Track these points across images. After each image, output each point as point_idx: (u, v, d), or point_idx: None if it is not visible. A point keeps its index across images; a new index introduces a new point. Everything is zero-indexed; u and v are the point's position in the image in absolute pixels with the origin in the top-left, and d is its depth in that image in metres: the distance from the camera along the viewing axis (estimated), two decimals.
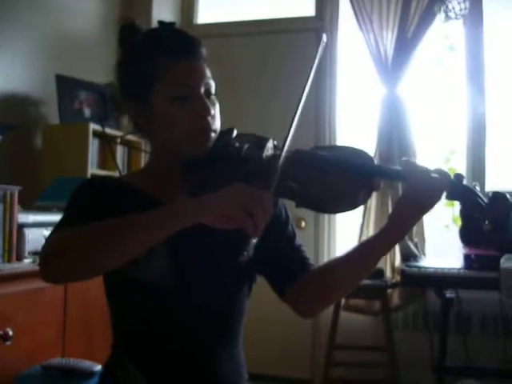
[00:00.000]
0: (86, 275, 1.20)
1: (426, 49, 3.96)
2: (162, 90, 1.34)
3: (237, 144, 1.37)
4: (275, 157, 1.29)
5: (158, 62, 1.34)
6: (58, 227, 1.26)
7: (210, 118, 1.35)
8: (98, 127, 3.47)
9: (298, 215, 4.07)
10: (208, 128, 1.34)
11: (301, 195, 1.31)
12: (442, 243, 3.86)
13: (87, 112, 3.70)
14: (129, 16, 4.26)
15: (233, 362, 1.41)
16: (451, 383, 3.40)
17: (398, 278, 3.65)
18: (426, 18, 3.87)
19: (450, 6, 3.72)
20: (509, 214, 1.31)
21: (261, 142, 1.38)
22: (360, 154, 1.35)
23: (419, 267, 3.33)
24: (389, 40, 3.96)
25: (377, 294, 3.67)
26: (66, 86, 3.55)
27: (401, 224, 1.29)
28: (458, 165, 3.96)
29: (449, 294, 3.39)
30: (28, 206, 2.83)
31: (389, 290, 3.80)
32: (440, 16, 3.81)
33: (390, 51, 3.95)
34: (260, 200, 1.08)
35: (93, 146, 3.51)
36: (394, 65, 3.94)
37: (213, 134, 1.36)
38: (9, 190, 2.60)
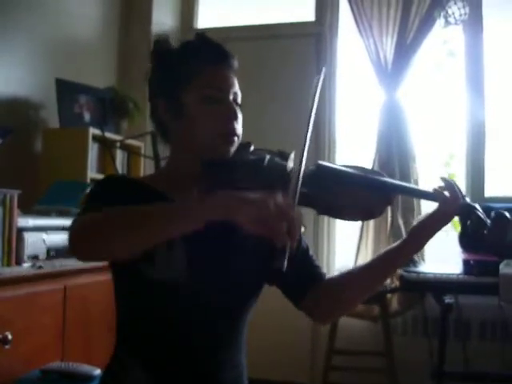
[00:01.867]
0: (111, 255, 1.22)
1: (426, 54, 3.97)
2: (195, 90, 1.39)
3: (258, 154, 1.43)
4: (297, 169, 1.32)
5: (192, 66, 1.40)
6: (81, 212, 1.29)
7: (235, 123, 1.40)
8: (97, 131, 3.47)
9: None
10: (234, 131, 1.39)
11: (322, 204, 1.38)
12: (441, 248, 3.85)
13: (87, 116, 3.70)
14: (129, 18, 4.27)
15: (234, 368, 1.41)
16: None
17: (397, 283, 3.64)
18: (426, 23, 3.88)
19: (449, 12, 3.73)
20: (508, 232, 1.38)
21: (283, 154, 1.44)
22: (376, 172, 1.51)
23: (418, 272, 3.33)
24: (388, 45, 3.96)
25: (376, 299, 3.66)
26: (66, 90, 3.55)
27: (421, 239, 1.43)
28: (457, 170, 3.97)
29: (448, 299, 3.38)
30: (27, 210, 2.83)
31: (388, 296, 3.80)
32: (440, 21, 3.82)
33: (390, 56, 3.96)
34: (292, 211, 1.06)
35: (92, 150, 3.52)
36: (393, 70, 3.94)
37: (236, 139, 1.41)
38: (8, 193, 2.59)
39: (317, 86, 1.39)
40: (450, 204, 1.38)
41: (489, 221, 1.37)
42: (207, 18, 4.67)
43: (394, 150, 3.91)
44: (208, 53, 1.43)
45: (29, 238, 2.69)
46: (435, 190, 1.41)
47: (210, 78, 1.40)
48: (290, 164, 1.40)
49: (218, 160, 1.38)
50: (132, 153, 3.89)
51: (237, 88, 1.45)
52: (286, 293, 1.51)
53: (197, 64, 1.40)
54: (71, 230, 1.22)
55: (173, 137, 1.46)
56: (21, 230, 2.66)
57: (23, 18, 3.39)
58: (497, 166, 3.99)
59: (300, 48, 4.31)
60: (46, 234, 2.78)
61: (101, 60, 4.09)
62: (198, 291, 1.34)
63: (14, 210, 2.61)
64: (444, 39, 3.96)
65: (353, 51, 4.24)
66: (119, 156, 3.78)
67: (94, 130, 3.47)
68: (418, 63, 3.96)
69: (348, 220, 1.51)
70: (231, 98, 1.42)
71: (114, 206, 1.19)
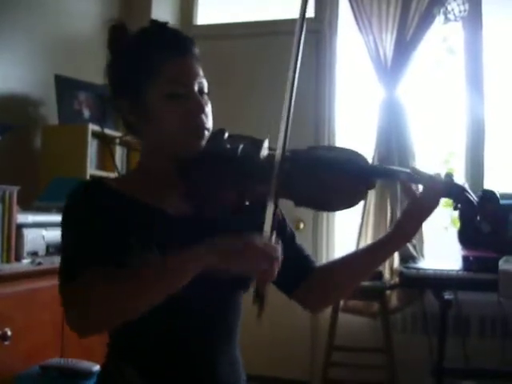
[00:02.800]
0: (112, 325, 1.28)
1: (426, 51, 3.97)
2: (156, 88, 1.33)
3: (231, 144, 1.37)
4: (272, 156, 1.29)
5: (151, 60, 1.33)
6: (68, 267, 1.27)
7: (203, 116, 1.34)
8: (97, 128, 3.47)
9: (296, 217, 4.07)
10: (202, 126, 1.34)
11: (299, 195, 1.34)
12: (440, 245, 3.86)
13: (86, 113, 3.70)
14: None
15: (231, 364, 1.40)
16: None
17: (396, 279, 3.65)
18: (426, 20, 3.87)
19: (449, 8, 3.73)
20: (499, 210, 1.36)
21: (256, 142, 1.38)
22: (355, 154, 1.40)
23: (418, 269, 3.33)
24: (388, 42, 3.96)
25: (375, 296, 3.67)
26: (66, 87, 3.55)
27: (410, 226, 1.40)
28: (456, 166, 3.97)
29: (447, 295, 3.38)
30: (27, 207, 2.83)
31: (387, 292, 3.80)
32: (439, 18, 3.82)
33: (390, 53, 3.95)
34: (274, 252, 1.17)
35: (92, 146, 3.51)
36: (393, 67, 3.94)
37: (206, 132, 1.35)
38: (8, 190, 2.59)
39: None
40: (432, 184, 1.34)
41: (477, 199, 1.35)
42: (206, 14, 4.66)
43: (394, 147, 3.91)
44: (167, 43, 1.35)
45: (28, 234, 2.69)
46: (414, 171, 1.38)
47: (171, 72, 1.33)
48: (264, 152, 1.36)
49: (189, 156, 1.33)
50: (131, 149, 3.89)
51: (201, 77, 1.37)
52: (276, 284, 1.46)
53: (156, 57, 1.33)
54: (70, 303, 1.23)
55: (141, 136, 1.42)
56: (20, 227, 2.66)
57: (22, 15, 3.39)
58: (496, 162, 3.99)
59: None
60: (45, 230, 2.78)
61: (100, 56, 4.03)
62: (191, 295, 1.33)
63: (14, 207, 2.61)
64: (443, 36, 3.96)
65: (352, 48, 4.24)
66: (118, 152, 3.79)
67: (93, 127, 3.47)
68: (418, 60, 3.96)
69: (328, 210, 1.47)
70: (196, 89, 1.35)
71: (97, 243, 1.25)
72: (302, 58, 1.41)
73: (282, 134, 1.28)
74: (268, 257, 1.16)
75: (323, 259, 4.14)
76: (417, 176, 1.36)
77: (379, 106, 4.00)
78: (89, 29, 4.04)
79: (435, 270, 3.27)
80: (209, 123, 1.36)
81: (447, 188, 1.35)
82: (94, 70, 3.88)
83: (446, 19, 3.79)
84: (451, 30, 3.93)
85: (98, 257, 1.25)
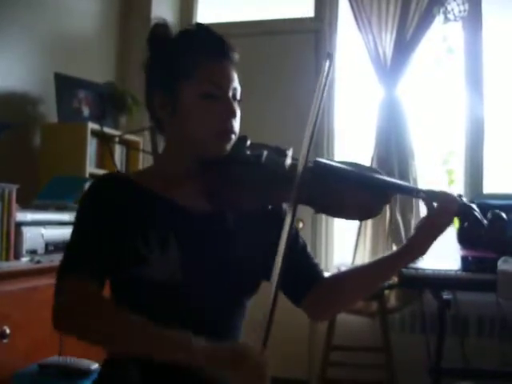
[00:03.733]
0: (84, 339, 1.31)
1: (425, 51, 3.97)
2: (193, 86, 1.35)
3: (252, 151, 1.41)
4: (295, 165, 1.33)
5: (192, 58, 1.36)
6: (70, 266, 1.31)
7: (233, 121, 1.37)
8: (96, 126, 3.47)
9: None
10: (231, 129, 1.37)
11: (319, 203, 1.38)
12: (439, 245, 3.85)
13: (86, 111, 3.70)
14: (129, 12, 4.27)
15: None
16: None
17: (395, 279, 3.64)
18: (425, 19, 3.87)
19: (449, 8, 3.73)
20: (506, 232, 1.39)
21: (280, 150, 1.43)
22: (375, 170, 1.48)
23: (416, 269, 3.32)
24: (388, 41, 3.96)
25: (374, 296, 3.66)
26: (65, 85, 3.55)
27: (423, 243, 1.42)
28: (455, 166, 3.97)
29: (446, 295, 3.38)
30: (26, 205, 2.83)
31: (386, 292, 3.80)
32: (439, 18, 3.82)
33: (389, 53, 3.95)
34: (264, 368, 1.23)
35: (91, 145, 3.52)
36: (392, 66, 3.94)
37: (233, 137, 1.38)
38: (7, 188, 2.60)
39: (325, 78, 1.38)
40: (447, 204, 1.37)
41: (485, 221, 1.37)
42: (206, 13, 4.66)
43: (393, 147, 3.91)
44: (209, 46, 1.38)
45: (27, 232, 2.69)
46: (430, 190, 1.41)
47: (209, 74, 1.36)
48: (288, 161, 1.39)
49: (216, 158, 1.36)
50: (131, 148, 3.89)
51: (236, 83, 1.41)
52: (285, 292, 1.50)
53: (196, 57, 1.36)
54: (61, 301, 1.27)
55: (168, 132, 1.44)
56: (19, 225, 2.66)
57: (22, 13, 3.38)
58: (495, 162, 3.99)
59: (299, 44, 4.30)
60: (44, 228, 2.78)
61: (100, 55, 4.08)
62: (193, 291, 1.33)
63: (13, 205, 2.61)
64: (443, 36, 3.95)
65: (352, 47, 4.23)
66: (118, 151, 3.79)
67: (92, 125, 3.47)
68: (418, 60, 3.96)
69: (345, 219, 1.49)
70: (230, 94, 1.38)
71: (105, 244, 1.30)
72: (301, 57, 1.42)
73: (305, 144, 1.31)
74: (257, 375, 1.21)
75: (322, 258, 4.15)
76: (433, 194, 1.39)
77: (379, 105, 3.99)
78: (89, 27, 4.04)
79: (434, 269, 3.26)
80: (237, 128, 1.39)
81: (460, 207, 1.38)
82: (93, 68, 3.90)
83: (446, 19, 3.79)
84: (451, 29, 3.93)
85: (101, 257, 1.29)
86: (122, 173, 1.43)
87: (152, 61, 1.43)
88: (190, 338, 1.20)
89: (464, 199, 1.40)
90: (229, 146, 1.37)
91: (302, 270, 1.50)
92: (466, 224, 1.39)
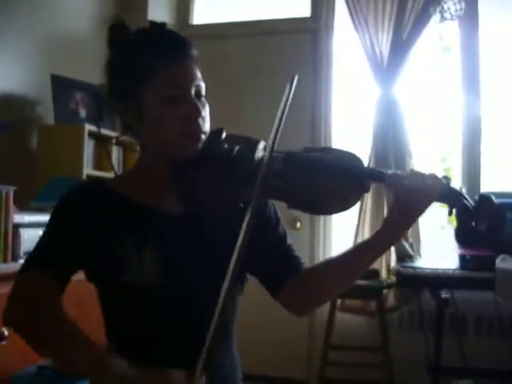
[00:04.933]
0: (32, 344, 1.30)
1: (422, 50, 3.97)
2: (153, 91, 1.33)
3: (227, 145, 1.37)
4: (264, 158, 1.30)
5: (149, 62, 1.33)
6: (31, 263, 1.35)
7: (200, 120, 1.34)
8: (93, 128, 3.47)
9: (293, 216, 4.07)
10: (198, 130, 1.34)
11: (292, 196, 1.33)
12: (437, 244, 3.86)
13: (83, 112, 3.69)
14: (119, 15, 4.26)
15: (226, 358, 1.41)
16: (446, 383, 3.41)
17: (393, 278, 3.65)
18: (422, 18, 3.88)
19: (445, 7, 3.74)
20: (496, 215, 1.34)
21: (251, 144, 1.38)
22: (350, 156, 1.40)
23: (414, 268, 3.33)
24: (384, 41, 3.96)
25: (372, 295, 3.67)
26: (62, 87, 3.55)
27: (394, 228, 1.34)
28: (453, 165, 3.97)
29: (444, 294, 3.38)
30: (23, 207, 2.82)
31: (384, 291, 3.80)
32: (435, 17, 3.82)
33: (386, 52, 3.96)
34: None
35: (88, 146, 3.51)
36: (389, 66, 3.94)
37: (203, 136, 1.35)
38: (4, 190, 2.59)
39: (289, 93, 1.35)
40: (415, 190, 1.28)
41: (473, 204, 1.32)
42: (203, 14, 4.66)
43: (390, 146, 3.91)
44: (165, 46, 1.35)
45: (25, 234, 2.68)
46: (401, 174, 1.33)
47: (168, 76, 1.32)
48: (259, 153, 1.36)
49: (184, 159, 1.34)
50: (128, 149, 3.88)
51: (199, 79, 1.37)
52: (263, 283, 1.49)
53: (153, 60, 1.32)
54: (14, 292, 1.33)
55: (138, 136, 1.42)
56: (17, 227, 2.65)
57: (19, 14, 3.38)
58: (492, 161, 4.00)
59: (296, 44, 4.30)
60: (41, 230, 2.77)
61: (96, 56, 4.05)
62: (174, 292, 1.33)
63: (10, 207, 2.60)
64: (440, 35, 3.96)
65: (348, 47, 4.23)
66: (115, 152, 3.78)
67: (89, 127, 3.47)
68: (414, 59, 3.96)
69: (322, 213, 1.46)
70: (193, 92, 1.35)
71: (67, 254, 1.33)
72: (298, 56, 1.42)
73: (272, 135, 1.28)
74: None
75: (320, 258, 4.14)
76: (406, 177, 1.31)
77: (375, 104, 4.00)
78: (85, 28, 4.03)
79: (432, 268, 3.27)
80: (206, 127, 1.37)
81: (442, 192, 1.31)
82: (90, 69, 3.87)
83: (442, 18, 3.80)
84: (447, 28, 3.93)
85: (66, 259, 1.33)
86: (98, 180, 1.41)
87: (110, 66, 1.41)
88: (109, 360, 1.21)
89: (450, 183, 1.33)
90: (199, 145, 1.35)
91: (279, 261, 1.46)
92: (453, 210, 1.33)
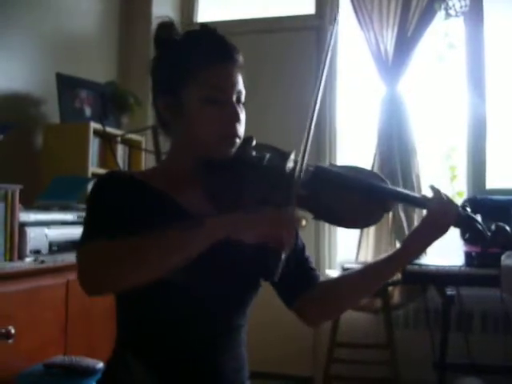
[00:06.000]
0: (124, 286, 1.25)
1: (427, 46, 3.96)
2: (196, 90, 1.35)
3: (256, 153, 1.41)
4: (296, 169, 1.34)
5: (194, 62, 1.36)
6: (87, 236, 1.29)
7: (237, 125, 1.37)
8: (98, 126, 3.48)
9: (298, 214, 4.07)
10: (236, 134, 1.37)
11: (319, 208, 1.39)
12: (442, 241, 3.85)
13: (88, 111, 3.70)
14: (130, 12, 4.27)
15: (235, 361, 1.41)
16: (452, 381, 3.41)
17: (399, 275, 3.64)
18: (427, 15, 3.87)
19: (450, 4, 3.73)
20: (510, 244, 1.40)
21: (284, 154, 1.43)
22: (376, 176, 1.48)
23: (420, 265, 3.33)
24: (389, 38, 3.96)
25: (378, 292, 3.66)
26: (67, 85, 3.55)
27: (415, 248, 1.43)
28: (458, 162, 3.96)
29: (450, 291, 3.39)
30: (29, 205, 2.83)
31: (390, 288, 3.80)
32: (440, 14, 3.81)
33: (391, 49, 3.95)
34: (291, 220, 1.20)
35: (93, 144, 3.52)
36: (394, 63, 3.94)
37: (238, 140, 1.38)
38: (10, 188, 2.60)
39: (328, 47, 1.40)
40: (441, 214, 1.38)
41: (489, 234, 1.37)
42: (207, 11, 4.66)
43: (395, 143, 3.91)
44: (212, 48, 1.38)
45: (31, 232, 2.69)
46: (425, 198, 1.42)
47: (213, 77, 1.35)
48: (290, 164, 1.39)
49: (218, 160, 1.36)
50: (133, 147, 3.89)
51: (241, 86, 1.40)
52: (278, 293, 1.51)
53: (200, 61, 1.35)
54: (81, 263, 1.24)
55: (173, 133, 1.44)
56: (23, 225, 2.66)
57: (23, 13, 3.39)
58: (498, 158, 3.99)
59: (300, 41, 4.30)
60: (47, 228, 2.79)
61: (101, 55, 4.08)
62: (194, 290, 1.33)
63: (16, 205, 2.61)
64: (445, 31, 3.94)
65: (353, 44, 4.23)
66: (120, 150, 3.79)
67: (94, 125, 3.48)
68: (419, 56, 3.95)
69: (345, 226, 1.50)
70: (234, 98, 1.38)
71: (118, 221, 1.27)
72: (302, 54, 1.43)
73: (303, 147, 1.32)
74: (280, 221, 1.18)
75: (325, 256, 4.15)
76: (430, 203, 1.40)
77: (380, 101, 3.99)
78: (90, 27, 4.04)
79: (437, 265, 3.27)
80: (241, 132, 1.39)
81: (459, 218, 1.39)
82: (95, 68, 3.90)
83: (447, 15, 3.79)
84: (452, 25, 3.92)
85: (115, 230, 1.26)
86: (125, 170, 1.43)
87: (156, 62, 1.44)
88: (198, 221, 1.20)
89: (467, 210, 1.41)
90: (233, 149, 1.38)
91: (296, 272, 1.48)
92: (467, 236, 1.40)
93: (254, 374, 1.49)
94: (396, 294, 3.89)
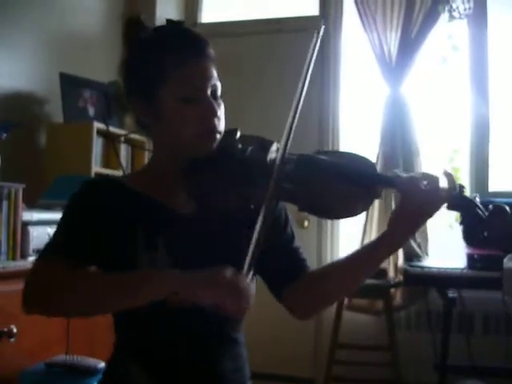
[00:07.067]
0: (66, 316, 1.31)
1: (430, 48, 3.96)
2: (169, 90, 1.33)
3: (240, 146, 1.38)
4: (277, 159, 1.31)
5: (165, 61, 1.33)
6: (48, 251, 1.33)
7: (215, 120, 1.35)
8: (101, 126, 3.48)
9: (301, 215, 4.06)
10: (214, 130, 1.35)
11: (302, 199, 1.33)
12: (444, 243, 3.86)
13: (91, 110, 3.70)
14: (133, 12, 4.27)
15: (235, 361, 1.41)
16: (453, 383, 3.40)
17: (400, 277, 3.65)
18: (430, 17, 3.87)
19: (454, 6, 3.72)
20: (509, 226, 1.30)
21: (265, 145, 1.38)
22: (363, 161, 1.38)
23: (422, 267, 3.33)
24: (393, 40, 3.96)
25: (379, 294, 3.67)
26: (70, 85, 3.56)
27: (399, 233, 1.30)
28: (461, 164, 3.97)
29: (451, 293, 3.39)
30: (32, 204, 2.84)
31: (392, 290, 3.80)
32: (444, 16, 3.81)
33: (394, 51, 3.95)
34: (243, 291, 1.15)
35: (97, 144, 3.52)
36: (397, 64, 3.94)
37: (218, 136, 1.36)
38: (13, 187, 2.61)
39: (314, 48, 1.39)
40: (414, 189, 1.27)
41: (486, 214, 1.29)
42: (211, 12, 4.66)
43: (398, 145, 3.91)
44: (183, 45, 1.34)
45: (34, 231, 2.70)
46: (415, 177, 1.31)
47: (185, 76, 1.33)
48: (272, 155, 1.36)
49: (200, 158, 1.35)
50: (136, 147, 3.89)
51: (215, 79, 1.37)
52: (266, 283, 1.48)
53: (171, 60, 1.32)
54: (33, 277, 1.32)
55: (153, 134, 1.43)
56: (25, 224, 2.67)
57: (27, 12, 3.39)
58: (501, 160, 3.99)
59: (304, 42, 4.26)
60: (50, 227, 2.79)
61: (105, 54, 4.08)
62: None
63: (19, 204, 2.62)
64: (448, 34, 3.95)
65: (357, 46, 4.23)
66: (123, 150, 3.79)
67: (98, 125, 3.48)
68: (423, 58, 3.95)
69: (330, 217, 1.45)
70: (209, 93, 1.35)
71: (82, 243, 1.31)
72: (306, 55, 1.42)
73: (284, 138, 1.29)
74: (233, 289, 1.15)
75: (327, 257, 4.15)
76: (419, 179, 1.29)
77: (384, 103, 3.99)
78: (94, 26, 4.04)
79: (439, 268, 3.27)
80: (221, 126, 1.37)
81: (455, 200, 1.29)
82: (98, 67, 3.90)
83: (451, 17, 3.79)
84: (456, 27, 3.93)
85: (79, 250, 1.31)
86: (111, 176, 1.42)
87: (127, 66, 1.41)
88: (155, 271, 1.24)
89: (464, 191, 1.31)
90: (214, 145, 1.35)
91: (283, 262, 1.45)
92: (464, 218, 1.30)
93: (256, 375, 1.49)
94: (398, 296, 3.89)
